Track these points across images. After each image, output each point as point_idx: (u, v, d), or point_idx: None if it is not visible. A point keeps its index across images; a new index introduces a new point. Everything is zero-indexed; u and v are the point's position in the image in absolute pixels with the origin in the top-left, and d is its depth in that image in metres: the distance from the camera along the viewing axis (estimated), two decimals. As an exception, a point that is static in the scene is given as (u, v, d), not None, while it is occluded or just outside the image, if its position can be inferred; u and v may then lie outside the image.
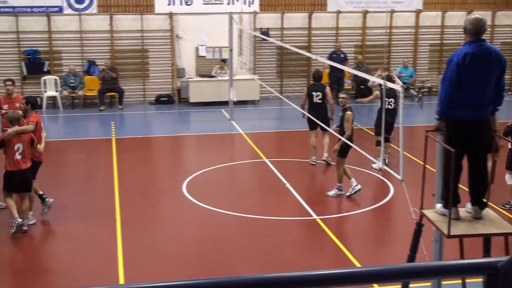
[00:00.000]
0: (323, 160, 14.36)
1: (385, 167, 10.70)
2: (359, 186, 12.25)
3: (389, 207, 12.00)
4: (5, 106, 11.95)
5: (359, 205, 12.16)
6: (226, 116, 19.63)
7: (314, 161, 14.36)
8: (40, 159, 11.18)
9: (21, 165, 10.50)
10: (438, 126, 6.55)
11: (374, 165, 13.33)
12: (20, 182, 10.61)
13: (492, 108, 6.50)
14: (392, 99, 13.53)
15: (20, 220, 10.44)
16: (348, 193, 12.26)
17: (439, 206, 6.65)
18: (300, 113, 14.70)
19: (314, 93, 14.22)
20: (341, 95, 12.72)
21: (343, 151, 12.17)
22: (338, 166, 12.38)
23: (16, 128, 10.50)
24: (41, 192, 11.30)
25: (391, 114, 13.01)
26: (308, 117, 14.18)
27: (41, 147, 10.87)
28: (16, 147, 10.43)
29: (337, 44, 22.12)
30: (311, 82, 15.23)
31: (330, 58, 20.24)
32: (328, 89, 14.42)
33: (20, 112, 10.88)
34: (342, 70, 18.84)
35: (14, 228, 10.32)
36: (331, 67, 19.80)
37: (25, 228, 10.50)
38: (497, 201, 11.05)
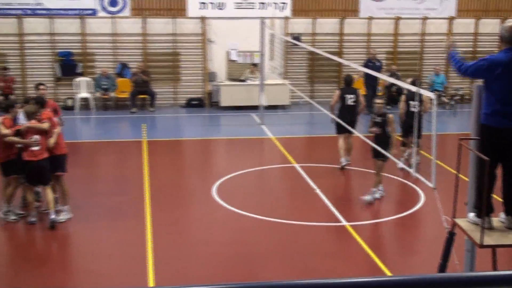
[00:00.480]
0: (344, 164, 14.41)
1: (415, 174, 10.56)
2: (378, 195, 12.31)
3: (420, 215, 11.88)
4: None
5: (390, 212, 12.06)
6: (256, 120, 19.64)
7: (345, 162, 14.40)
8: (62, 152, 11.38)
9: (38, 156, 10.75)
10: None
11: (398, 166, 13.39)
12: (37, 173, 10.86)
13: None
14: (417, 103, 13.46)
15: (34, 219, 10.93)
16: (368, 197, 12.32)
17: (472, 215, 6.56)
18: (330, 118, 14.68)
19: (347, 95, 14.31)
20: (378, 100, 12.66)
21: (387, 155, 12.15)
22: (382, 171, 12.37)
23: (32, 124, 10.83)
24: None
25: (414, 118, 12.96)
26: (337, 121, 14.19)
27: (51, 141, 11.02)
28: (33, 138, 10.74)
29: (372, 52, 21.94)
30: (342, 86, 15.22)
31: (365, 66, 20.03)
32: (360, 92, 14.70)
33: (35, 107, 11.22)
34: (376, 78, 18.76)
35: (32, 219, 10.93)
36: (366, 75, 19.63)
37: (34, 220, 10.95)
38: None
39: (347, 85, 14.63)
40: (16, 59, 21.39)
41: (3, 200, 11.28)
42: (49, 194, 10.99)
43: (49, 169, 11.03)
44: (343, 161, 14.41)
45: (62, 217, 11.17)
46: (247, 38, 21.68)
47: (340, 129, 14.28)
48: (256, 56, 21.53)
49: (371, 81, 20.26)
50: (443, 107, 21.48)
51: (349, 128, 13.74)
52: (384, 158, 12.08)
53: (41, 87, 12.52)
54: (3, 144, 10.94)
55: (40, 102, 11.44)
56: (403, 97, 14.08)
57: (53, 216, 10.77)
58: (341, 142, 14.43)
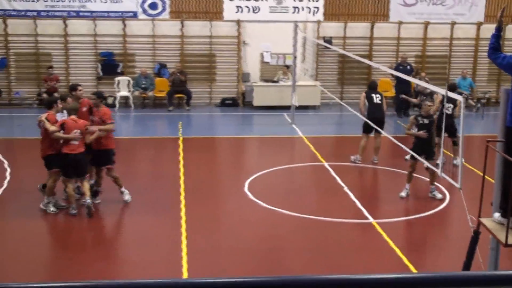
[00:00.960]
0: (374, 163, 14.59)
1: (442, 174, 10.45)
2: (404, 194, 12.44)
3: (446, 214, 11.76)
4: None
5: (416, 210, 11.96)
6: (287, 120, 19.62)
7: (359, 160, 14.67)
8: (111, 147, 11.72)
9: (76, 149, 11.06)
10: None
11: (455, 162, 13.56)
12: (74, 166, 11.13)
13: None
14: (451, 105, 13.42)
15: (75, 211, 11.14)
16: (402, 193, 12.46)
17: (497, 215, 6.47)
18: (360, 119, 14.76)
19: (373, 95, 14.58)
20: (428, 103, 12.65)
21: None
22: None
23: (100, 129, 11.47)
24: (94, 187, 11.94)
25: (449, 119, 13.08)
26: (365, 121, 14.37)
27: (89, 137, 11.33)
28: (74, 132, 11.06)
29: (403, 55, 21.74)
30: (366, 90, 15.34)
31: (396, 69, 19.86)
32: (383, 94, 15.10)
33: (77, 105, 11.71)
34: (408, 82, 18.63)
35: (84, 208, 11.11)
36: (397, 78, 19.49)
37: (75, 212, 11.14)
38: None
39: (372, 89, 14.90)
40: (61, 59, 21.68)
41: (44, 192, 11.47)
42: (85, 184, 11.27)
43: (85, 162, 11.32)
44: (356, 158, 14.72)
45: (128, 197, 11.79)
46: (280, 40, 21.67)
47: (367, 129, 14.39)
48: (288, 58, 21.50)
49: (401, 85, 20.04)
50: (470, 110, 21.21)
51: (376, 128, 13.81)
52: (428, 158, 11.96)
53: (79, 88, 12.64)
54: (48, 139, 11.14)
55: (101, 97, 12.06)
56: (438, 98, 14.02)
57: (88, 201, 11.04)
58: (363, 141, 14.60)
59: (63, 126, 11.10)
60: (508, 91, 6.42)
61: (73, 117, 11.28)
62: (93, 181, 12.01)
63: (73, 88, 12.76)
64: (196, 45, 22.17)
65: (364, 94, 14.82)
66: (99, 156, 11.71)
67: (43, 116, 11.29)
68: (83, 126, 11.23)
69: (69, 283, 2.09)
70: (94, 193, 11.74)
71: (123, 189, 11.89)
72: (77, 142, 11.10)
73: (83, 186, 11.31)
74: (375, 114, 14.26)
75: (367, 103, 14.50)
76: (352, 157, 14.80)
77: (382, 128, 14.14)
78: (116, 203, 11.86)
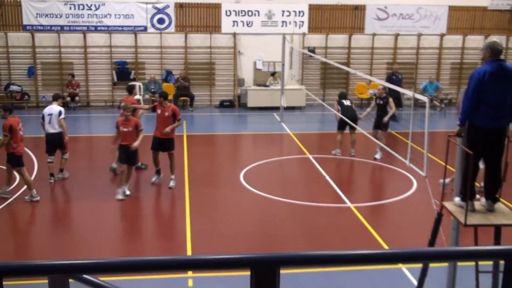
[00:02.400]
0: (351, 155, 14.80)
1: (410, 164, 10.45)
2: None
3: (413, 199, 11.79)
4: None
5: (388, 195, 11.99)
6: (277, 119, 19.61)
7: (339, 153, 14.87)
8: (172, 136, 12.25)
9: (127, 141, 11.48)
10: (458, 131, 6.39)
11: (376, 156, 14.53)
12: (126, 155, 11.47)
13: (509, 119, 6.33)
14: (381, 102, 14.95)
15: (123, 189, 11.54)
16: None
17: (457, 199, 6.49)
18: (335, 116, 15.19)
19: (343, 101, 14.89)
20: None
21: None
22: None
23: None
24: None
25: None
26: (340, 120, 14.59)
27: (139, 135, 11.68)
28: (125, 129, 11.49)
29: (394, 67, 21.58)
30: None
31: (389, 79, 19.79)
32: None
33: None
34: (399, 91, 18.68)
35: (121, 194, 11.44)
36: (389, 88, 19.34)
37: (125, 195, 11.45)
38: (508, 197, 10.70)
39: (342, 98, 15.08)
40: (81, 67, 21.58)
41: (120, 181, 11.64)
42: (131, 171, 11.68)
43: (135, 152, 11.59)
44: (336, 152, 14.89)
45: (172, 184, 12.02)
46: (271, 50, 21.65)
47: (340, 126, 14.77)
48: (277, 66, 21.48)
49: (394, 93, 19.94)
50: (435, 109, 21.24)
51: (351, 123, 13.99)
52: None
53: (134, 91, 13.21)
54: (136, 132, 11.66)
55: (164, 96, 12.27)
56: (392, 101, 14.83)
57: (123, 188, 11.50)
58: (339, 136, 14.87)
59: (154, 108, 11.97)
60: (464, 92, 6.42)
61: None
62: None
63: (129, 90, 13.56)
64: (198, 55, 22.11)
65: (336, 102, 15.07)
66: (167, 143, 12.13)
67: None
68: (133, 126, 11.55)
69: (84, 260, 2.08)
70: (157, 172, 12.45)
71: (172, 177, 12.24)
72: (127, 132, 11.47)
73: (129, 172, 11.65)
74: (349, 113, 14.41)
75: (339, 108, 14.68)
76: (333, 151, 14.84)
77: (356, 124, 14.24)
78: (132, 190, 11.83)
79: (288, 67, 21.53)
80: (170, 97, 21.20)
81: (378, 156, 14.48)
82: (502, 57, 6.30)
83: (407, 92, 11.11)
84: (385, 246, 9.23)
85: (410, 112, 9.74)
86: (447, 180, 10.34)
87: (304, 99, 21.79)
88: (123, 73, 21.60)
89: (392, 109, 14.41)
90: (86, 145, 16.75)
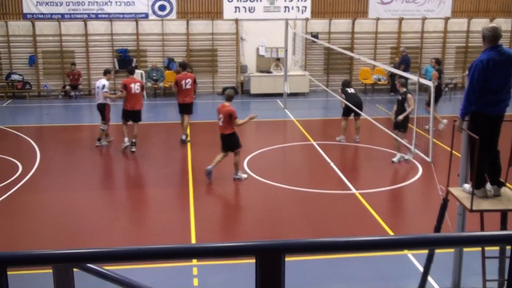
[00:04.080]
0: (356, 141, 14.79)
1: (415, 149, 10.44)
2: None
3: (419, 185, 11.79)
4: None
5: (392, 182, 11.98)
6: (280, 105, 19.57)
7: (344, 140, 14.79)
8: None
9: (222, 131, 11.82)
10: (458, 124, 6.35)
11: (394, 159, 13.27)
12: (224, 143, 11.88)
13: (507, 102, 6.34)
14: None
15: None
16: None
17: (467, 186, 6.47)
18: (340, 103, 15.08)
19: (347, 89, 14.69)
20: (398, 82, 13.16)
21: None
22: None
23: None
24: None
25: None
26: (345, 106, 14.53)
27: (238, 122, 11.97)
28: (219, 116, 11.82)
29: (403, 51, 21.46)
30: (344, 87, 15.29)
31: (406, 60, 20.35)
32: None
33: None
34: (407, 70, 18.76)
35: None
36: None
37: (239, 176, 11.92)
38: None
39: (345, 86, 14.89)
40: (82, 55, 21.55)
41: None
42: (235, 157, 11.92)
43: (232, 141, 11.80)
44: (341, 138, 14.82)
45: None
46: (273, 36, 21.56)
47: (345, 112, 14.70)
48: (280, 51, 21.40)
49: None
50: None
51: (356, 110, 13.87)
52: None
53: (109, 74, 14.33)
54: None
55: (183, 65, 14.12)
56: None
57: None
58: (343, 122, 14.78)
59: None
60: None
61: (226, 103, 11.92)
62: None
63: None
64: (200, 42, 22.04)
65: (339, 90, 14.98)
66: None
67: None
68: (227, 114, 11.67)
69: (88, 249, 2.09)
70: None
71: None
72: (221, 124, 11.74)
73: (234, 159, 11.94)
74: (354, 100, 14.32)
75: (343, 96, 14.59)
76: (337, 138, 14.82)
77: (361, 110, 14.20)
78: (137, 178, 11.86)
79: (291, 53, 21.44)
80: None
81: (395, 159, 13.04)
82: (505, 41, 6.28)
83: (412, 77, 11.08)
84: (391, 232, 9.25)
85: (415, 97, 9.70)
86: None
87: (307, 85, 21.73)
88: (125, 61, 21.54)
89: (409, 106, 12.56)
90: (89, 134, 16.76)
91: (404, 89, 12.85)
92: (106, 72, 14.57)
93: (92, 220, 9.90)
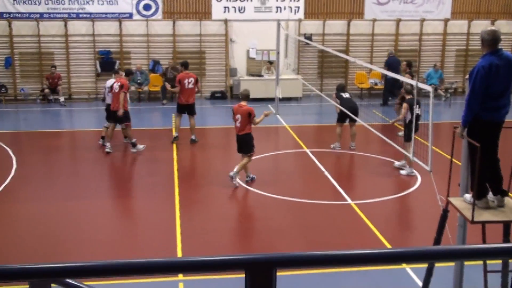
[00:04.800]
0: (352, 149, 14.81)
1: (413, 158, 10.50)
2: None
3: (417, 195, 11.82)
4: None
5: (390, 191, 12.02)
6: (272, 110, 19.60)
7: (339, 147, 14.82)
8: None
9: (239, 131, 12.16)
10: (459, 131, 6.40)
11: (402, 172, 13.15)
12: (239, 145, 12.25)
13: (508, 108, 6.40)
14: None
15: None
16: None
17: (468, 196, 6.50)
18: (335, 109, 15.18)
19: (342, 94, 14.80)
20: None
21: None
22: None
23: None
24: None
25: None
26: (340, 112, 14.59)
27: (256, 120, 12.26)
28: (236, 117, 12.14)
29: (389, 50, 21.68)
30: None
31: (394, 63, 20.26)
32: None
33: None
34: (398, 72, 18.82)
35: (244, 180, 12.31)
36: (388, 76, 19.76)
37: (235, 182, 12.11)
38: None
39: (340, 90, 14.98)
40: (62, 57, 21.49)
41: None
42: (246, 159, 12.20)
43: (247, 142, 12.13)
44: (335, 146, 14.82)
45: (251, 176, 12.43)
46: (265, 38, 21.62)
47: (340, 119, 14.74)
48: (272, 54, 21.46)
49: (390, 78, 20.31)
50: (439, 99, 21.29)
51: (352, 116, 13.94)
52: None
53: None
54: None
55: (184, 65, 15.03)
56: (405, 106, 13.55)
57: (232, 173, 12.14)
58: (338, 129, 14.79)
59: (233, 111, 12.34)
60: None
61: (242, 103, 12.31)
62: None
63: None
64: (187, 43, 22.06)
65: (334, 95, 15.00)
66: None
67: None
68: (245, 113, 12.03)
69: (67, 263, 2.07)
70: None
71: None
72: (239, 125, 12.08)
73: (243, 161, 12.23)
74: (349, 105, 14.37)
75: (338, 101, 14.66)
76: (332, 145, 14.86)
77: (357, 116, 14.28)
78: (118, 188, 11.82)
79: (283, 55, 21.51)
80: (158, 88, 21.25)
81: (404, 172, 12.95)
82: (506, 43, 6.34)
83: (410, 81, 11.14)
84: (388, 245, 9.26)
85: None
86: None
87: (300, 89, 21.78)
88: (107, 63, 21.52)
89: (400, 115, 12.87)
90: (69, 141, 16.69)
91: (408, 97, 12.77)
92: (115, 72, 15.35)
93: (72, 232, 9.84)
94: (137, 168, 13.66)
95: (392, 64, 20.19)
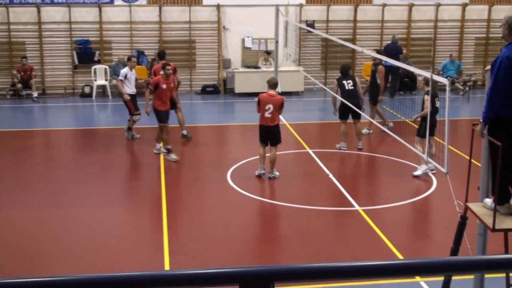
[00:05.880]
0: (359, 149, 14.74)
1: (428, 159, 10.51)
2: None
3: (432, 200, 11.85)
4: (164, 86, 14.07)
5: (402, 196, 12.03)
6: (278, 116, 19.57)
7: (345, 147, 14.77)
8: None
9: (269, 122, 12.63)
10: (479, 129, 6.40)
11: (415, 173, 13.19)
12: (267, 137, 12.79)
13: None
14: (351, 81, 14.58)
15: (263, 171, 12.89)
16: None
17: (489, 201, 6.51)
18: (331, 99, 15.43)
19: (345, 82, 14.53)
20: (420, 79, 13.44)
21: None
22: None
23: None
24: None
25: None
26: (340, 106, 14.53)
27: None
28: (267, 107, 12.52)
29: (394, 35, 21.77)
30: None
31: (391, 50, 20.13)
32: (357, 79, 14.97)
33: None
34: (397, 60, 18.92)
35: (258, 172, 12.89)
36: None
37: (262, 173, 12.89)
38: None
39: (343, 74, 14.75)
40: (35, 48, 21.48)
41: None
42: (273, 153, 12.82)
43: (278, 133, 12.83)
44: (341, 146, 14.75)
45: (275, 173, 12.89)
46: (262, 25, 21.63)
47: (343, 115, 14.62)
48: (270, 43, 21.48)
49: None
50: (457, 93, 21.33)
51: (355, 109, 13.80)
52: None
53: (168, 67, 14.32)
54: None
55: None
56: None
57: (263, 171, 12.88)
58: (342, 127, 14.68)
59: (259, 101, 12.71)
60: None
61: (270, 92, 12.74)
62: None
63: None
64: (175, 31, 22.07)
65: (336, 82, 14.81)
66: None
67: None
68: (278, 104, 12.58)
69: (51, 277, 2.07)
70: None
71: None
72: (269, 116, 12.55)
73: (270, 154, 12.83)
74: (348, 101, 14.04)
75: (339, 90, 14.52)
76: (337, 145, 14.85)
77: (358, 114, 14.16)
78: (97, 194, 11.82)
79: (282, 45, 21.52)
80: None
81: (418, 172, 12.94)
82: None
83: (424, 73, 11.15)
84: (400, 256, 9.28)
85: (428, 97, 9.78)
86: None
87: (302, 83, 21.81)
88: (86, 54, 21.51)
89: (425, 109, 12.48)
90: (43, 141, 16.68)
91: (427, 89, 12.76)
92: (128, 60, 15.82)
93: (46, 244, 9.83)
94: (120, 172, 13.64)
95: (390, 52, 19.44)
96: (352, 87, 14.49)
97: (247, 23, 22.15)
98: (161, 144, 14.29)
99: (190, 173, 13.39)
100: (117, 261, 9.25)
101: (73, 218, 10.89)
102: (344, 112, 14.50)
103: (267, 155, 12.87)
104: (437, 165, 9.29)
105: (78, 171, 13.62)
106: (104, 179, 13.09)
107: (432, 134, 12.02)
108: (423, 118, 12.48)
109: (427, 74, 9.94)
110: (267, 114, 12.60)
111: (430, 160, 9.91)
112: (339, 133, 14.84)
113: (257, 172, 12.92)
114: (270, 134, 12.77)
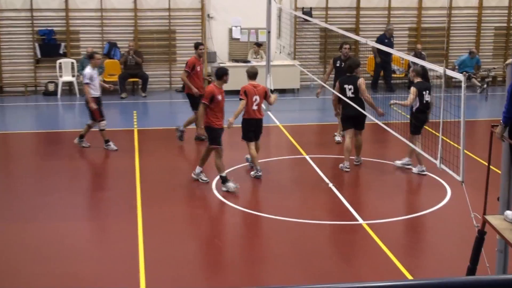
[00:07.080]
0: (356, 164, 14.22)
1: (441, 166, 10.54)
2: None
3: (446, 212, 11.88)
4: (219, 97, 13.20)
5: (412, 209, 12.08)
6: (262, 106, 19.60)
7: (348, 167, 13.89)
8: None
9: (257, 115, 13.41)
10: (499, 131, 6.44)
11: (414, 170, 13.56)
12: (254, 131, 13.53)
13: None
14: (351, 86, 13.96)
15: (260, 173, 13.31)
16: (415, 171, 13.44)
17: (510, 213, 6.54)
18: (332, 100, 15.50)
19: (346, 86, 13.95)
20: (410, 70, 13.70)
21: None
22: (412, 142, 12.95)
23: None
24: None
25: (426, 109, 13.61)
26: (343, 115, 14.16)
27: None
28: (254, 99, 13.19)
29: (392, 28, 21.90)
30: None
31: (381, 42, 19.95)
32: (361, 81, 13.98)
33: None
34: (389, 54, 19.03)
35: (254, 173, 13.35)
36: (379, 52, 19.94)
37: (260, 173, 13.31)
38: None
39: (348, 73, 14.23)
40: (-9, 38, 21.44)
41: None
42: (257, 147, 13.72)
43: (262, 125, 13.65)
44: (343, 166, 13.91)
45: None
46: (252, 13, 21.66)
47: (347, 124, 14.05)
48: (261, 34, 21.52)
49: (384, 58, 20.66)
50: (474, 91, 21.39)
51: (362, 111, 13.54)
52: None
53: (201, 47, 15.96)
54: None
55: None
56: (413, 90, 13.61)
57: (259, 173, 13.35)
58: (348, 140, 13.96)
59: (245, 93, 13.22)
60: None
61: (252, 82, 13.44)
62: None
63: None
64: (153, 20, 22.06)
65: (337, 85, 14.31)
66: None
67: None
68: (262, 94, 13.48)
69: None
70: None
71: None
72: (256, 108, 13.32)
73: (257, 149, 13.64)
74: (350, 110, 13.69)
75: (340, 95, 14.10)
76: (340, 165, 13.97)
77: (362, 125, 13.93)
78: (63, 206, 11.79)
79: (275, 36, 21.55)
80: (115, 78, 21.21)
81: (415, 169, 13.60)
82: None
83: (437, 68, 11.20)
84: (409, 276, 9.31)
85: (441, 94, 9.82)
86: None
87: (298, 78, 21.85)
88: (50, 46, 21.46)
89: (407, 100, 13.29)
90: (0, 146, 16.64)
91: (419, 79, 13.28)
92: (90, 57, 15.53)
93: (6, 264, 9.80)
94: (90, 179, 13.62)
95: (382, 42, 19.74)
96: (353, 95, 13.84)
97: (235, 11, 22.17)
98: (201, 168, 13.24)
99: (169, 183, 13.36)
100: (83, 286, 9.22)
101: (32, 234, 10.85)
102: (347, 120, 13.98)
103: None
104: (451, 171, 9.32)
105: (40, 180, 13.58)
106: (70, 189, 13.05)
107: (418, 132, 13.22)
108: (413, 114, 13.21)
109: (439, 69, 9.97)
110: (254, 107, 13.19)
111: (443, 167, 9.94)
112: (343, 148, 14.21)
113: (253, 174, 13.30)
114: (258, 127, 13.52)
